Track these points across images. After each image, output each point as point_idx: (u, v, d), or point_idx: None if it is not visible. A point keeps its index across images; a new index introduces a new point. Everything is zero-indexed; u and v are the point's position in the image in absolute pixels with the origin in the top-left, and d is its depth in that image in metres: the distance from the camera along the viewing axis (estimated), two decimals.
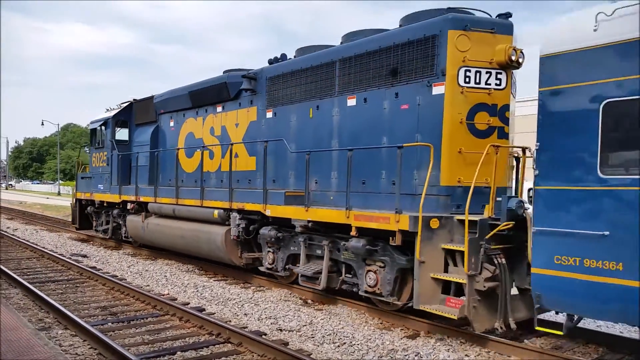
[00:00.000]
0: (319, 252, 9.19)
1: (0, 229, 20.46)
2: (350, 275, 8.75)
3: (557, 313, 7.43)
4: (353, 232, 8.16)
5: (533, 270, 6.05)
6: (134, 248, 15.76)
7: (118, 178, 15.34)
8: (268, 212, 9.95)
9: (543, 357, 6.53)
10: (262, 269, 10.64)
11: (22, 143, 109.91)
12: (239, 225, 10.69)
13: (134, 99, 16.26)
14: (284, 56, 11.31)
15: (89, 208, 17.69)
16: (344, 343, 7.19)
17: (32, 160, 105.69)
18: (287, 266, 9.99)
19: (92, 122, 17.56)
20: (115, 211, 15.87)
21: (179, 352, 6.67)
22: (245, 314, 8.67)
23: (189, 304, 9.32)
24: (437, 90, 7.78)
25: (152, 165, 14.45)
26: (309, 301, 9.66)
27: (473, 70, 7.73)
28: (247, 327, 7.83)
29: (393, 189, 8.06)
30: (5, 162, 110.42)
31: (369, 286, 8.15)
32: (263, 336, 7.25)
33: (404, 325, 7.98)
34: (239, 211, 10.76)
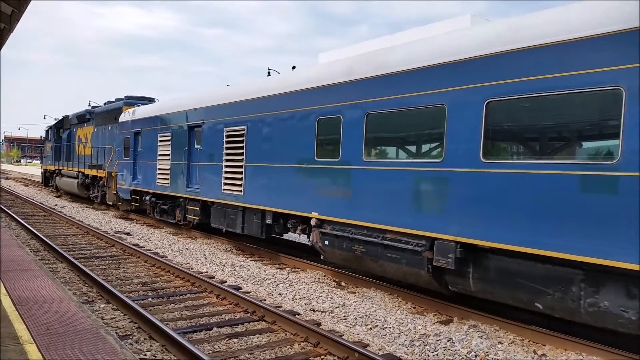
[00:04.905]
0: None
1: (49, 206, 22.85)
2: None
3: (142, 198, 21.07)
4: (98, 178, 22.38)
5: (118, 186, 20.16)
6: (175, 227, 16.85)
7: (54, 157, 30.13)
8: (86, 172, 24.32)
9: (576, 346, 6.44)
10: (92, 197, 24.96)
11: None
12: (81, 178, 25.06)
13: (65, 115, 30.71)
14: (107, 103, 25.28)
15: (46, 173, 32.67)
16: (376, 326, 7.22)
17: None
18: (97, 194, 24.20)
19: (47, 127, 32.57)
20: (55, 175, 30.65)
21: (215, 328, 6.89)
22: (279, 294, 8.82)
23: (226, 282, 9.57)
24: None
25: (67, 151, 28.96)
26: (343, 284, 9.82)
27: None
28: (281, 307, 8.02)
29: (113, 161, 22.08)
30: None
31: (102, 197, 22.29)
32: (296, 316, 7.45)
33: (437, 311, 8.09)
34: (81, 172, 25.14)
